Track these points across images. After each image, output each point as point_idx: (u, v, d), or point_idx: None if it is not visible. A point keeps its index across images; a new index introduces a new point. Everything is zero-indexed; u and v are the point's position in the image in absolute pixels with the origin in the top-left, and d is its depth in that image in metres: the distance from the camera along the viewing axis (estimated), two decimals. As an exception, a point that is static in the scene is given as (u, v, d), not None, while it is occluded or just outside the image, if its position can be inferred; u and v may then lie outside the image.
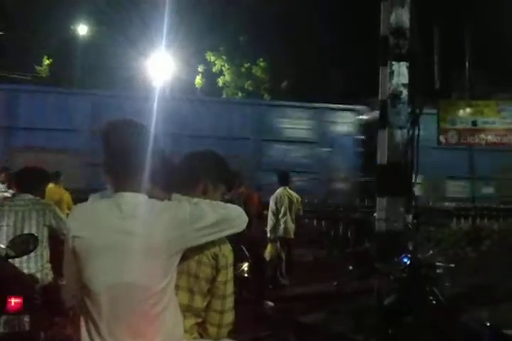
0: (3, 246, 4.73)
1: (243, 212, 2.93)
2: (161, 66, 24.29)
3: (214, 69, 27.94)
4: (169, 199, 2.87)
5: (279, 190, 10.73)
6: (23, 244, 4.51)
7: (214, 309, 2.89)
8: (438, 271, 4.83)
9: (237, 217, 2.89)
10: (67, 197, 9.47)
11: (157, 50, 23.57)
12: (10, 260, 4.71)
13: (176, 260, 2.66)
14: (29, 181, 5.78)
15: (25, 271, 5.13)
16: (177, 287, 2.73)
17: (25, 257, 5.12)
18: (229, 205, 2.91)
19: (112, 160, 2.68)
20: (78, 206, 2.86)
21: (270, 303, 6.41)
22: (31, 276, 4.71)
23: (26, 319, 4.40)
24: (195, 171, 3.05)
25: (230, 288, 2.92)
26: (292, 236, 10.73)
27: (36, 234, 4.98)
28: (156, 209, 2.66)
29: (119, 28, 24.50)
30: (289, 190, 10.82)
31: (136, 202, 2.63)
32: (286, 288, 9.67)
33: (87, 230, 2.58)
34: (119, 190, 2.65)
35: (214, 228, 2.74)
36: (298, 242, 11.59)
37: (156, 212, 2.65)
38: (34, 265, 5.36)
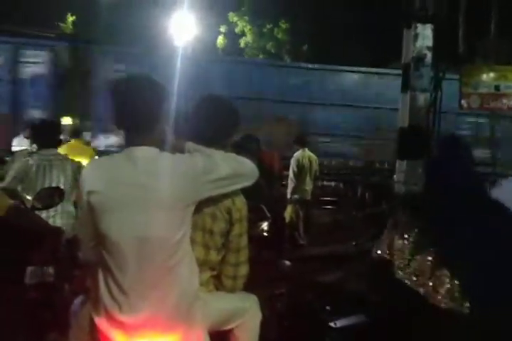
0: (29, 198, 4.80)
1: (255, 166, 2.97)
2: (183, 26, 24.09)
3: (236, 30, 27.72)
4: (183, 147, 2.91)
5: (299, 152, 10.79)
6: (49, 197, 4.54)
7: (229, 262, 2.97)
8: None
9: (249, 171, 2.93)
10: (90, 152, 9.45)
11: (180, 9, 23.36)
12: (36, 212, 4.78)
13: (189, 212, 2.71)
14: (52, 135, 5.77)
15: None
16: (192, 242, 2.79)
17: (51, 213, 5.20)
18: (241, 158, 2.94)
19: (120, 115, 2.73)
20: (93, 161, 2.93)
21: (287, 262, 6.47)
22: (58, 228, 4.78)
23: (51, 270, 4.50)
24: (209, 123, 3.04)
25: (244, 240, 2.99)
26: (309, 197, 10.83)
27: (63, 186, 5.04)
28: (169, 162, 2.71)
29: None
30: (308, 152, 10.88)
31: (150, 155, 2.67)
32: (304, 248, 9.77)
33: (103, 185, 2.64)
34: (131, 145, 2.69)
35: (226, 181, 2.79)
36: (316, 203, 11.67)
37: (169, 165, 2.69)
38: (60, 220, 5.44)
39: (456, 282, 2.90)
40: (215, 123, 3.03)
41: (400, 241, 3.11)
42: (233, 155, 2.94)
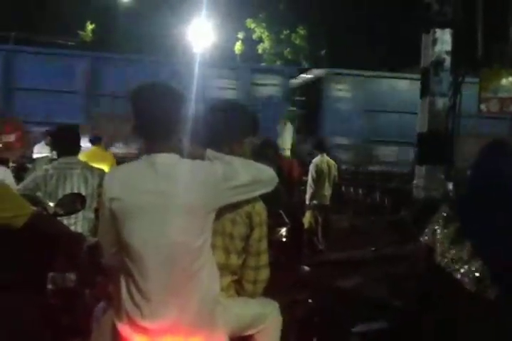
0: (52, 204, 4.82)
1: (274, 173, 2.97)
2: (201, 33, 24.22)
3: (254, 37, 27.80)
4: (201, 154, 2.92)
5: (318, 158, 10.73)
6: (72, 203, 4.55)
7: (249, 266, 2.97)
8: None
9: (268, 178, 2.93)
10: (111, 159, 9.48)
11: (198, 16, 23.49)
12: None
13: (210, 218, 2.72)
14: (72, 142, 5.76)
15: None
16: (213, 246, 2.79)
17: (73, 220, 5.21)
18: (261, 165, 2.95)
19: (140, 123, 2.74)
20: (114, 169, 2.94)
21: (307, 268, 6.44)
22: (80, 235, 4.81)
23: (72, 277, 4.52)
24: (225, 131, 3.04)
25: (264, 245, 2.99)
26: (328, 202, 10.78)
27: (84, 194, 5.04)
28: (189, 169, 2.72)
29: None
30: (327, 157, 10.83)
31: (170, 162, 2.69)
32: (323, 254, 9.73)
33: (124, 192, 2.66)
34: (152, 152, 2.71)
35: (246, 188, 2.80)
36: (335, 209, 11.62)
37: (190, 171, 2.70)
38: (81, 227, 5.45)
39: (486, 270, 3.10)
40: (232, 128, 3.04)
41: (442, 232, 3.31)
42: (252, 161, 2.95)
